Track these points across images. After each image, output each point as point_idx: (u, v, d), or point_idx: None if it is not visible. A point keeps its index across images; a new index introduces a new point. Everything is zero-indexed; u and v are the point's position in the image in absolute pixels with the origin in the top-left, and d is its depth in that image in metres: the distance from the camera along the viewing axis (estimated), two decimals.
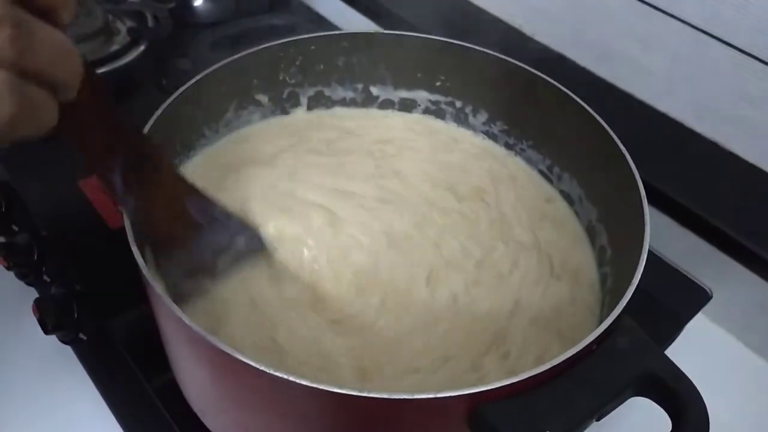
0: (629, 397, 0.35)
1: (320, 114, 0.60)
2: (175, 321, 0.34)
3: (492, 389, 0.31)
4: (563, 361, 0.33)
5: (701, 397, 0.34)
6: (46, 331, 0.52)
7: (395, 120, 0.60)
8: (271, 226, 0.47)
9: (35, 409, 0.53)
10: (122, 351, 0.52)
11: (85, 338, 0.54)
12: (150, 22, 0.75)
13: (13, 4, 0.24)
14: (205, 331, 0.33)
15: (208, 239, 0.42)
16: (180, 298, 0.41)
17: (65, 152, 0.61)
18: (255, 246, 0.44)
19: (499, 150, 0.58)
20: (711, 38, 0.59)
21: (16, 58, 0.24)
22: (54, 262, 0.56)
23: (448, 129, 0.60)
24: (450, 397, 0.31)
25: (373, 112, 0.60)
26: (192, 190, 0.41)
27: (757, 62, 0.57)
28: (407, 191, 0.53)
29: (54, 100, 0.27)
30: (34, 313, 0.52)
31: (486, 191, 0.54)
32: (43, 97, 0.26)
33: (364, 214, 0.50)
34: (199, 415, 0.45)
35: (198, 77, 0.50)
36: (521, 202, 0.54)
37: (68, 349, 0.55)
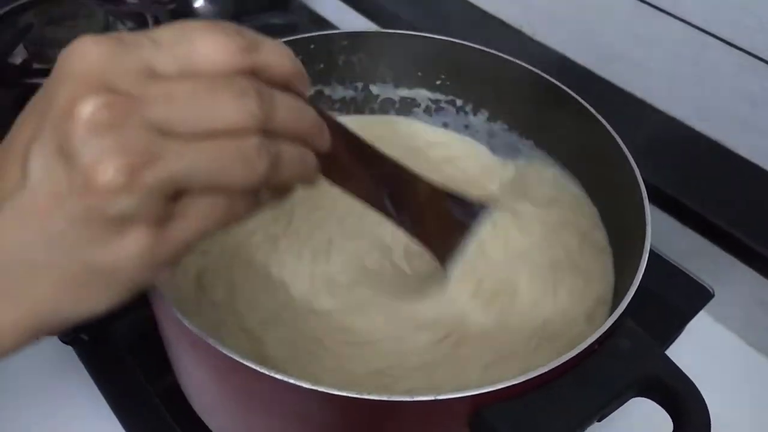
0: (630, 398, 0.35)
1: None
2: (177, 324, 0.34)
3: (493, 391, 0.31)
4: (565, 362, 0.33)
5: (702, 398, 0.34)
6: None
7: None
8: None
9: (36, 409, 0.53)
10: (124, 352, 0.52)
11: (86, 339, 0.54)
12: (150, 24, 0.75)
13: (251, 78, 0.27)
14: (207, 335, 0.33)
15: (468, 228, 0.47)
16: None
17: None
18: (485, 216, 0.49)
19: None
20: (712, 38, 0.59)
21: (263, 121, 0.26)
22: None
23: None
24: (450, 399, 0.31)
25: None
26: (444, 192, 0.45)
27: (758, 62, 0.57)
28: None
29: (308, 152, 0.30)
30: None
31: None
32: (297, 151, 0.29)
33: None
34: (201, 415, 0.45)
35: None
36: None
37: (69, 349, 0.55)
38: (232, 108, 0.25)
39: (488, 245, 0.47)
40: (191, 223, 0.26)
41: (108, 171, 0.23)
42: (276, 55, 0.28)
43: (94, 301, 0.26)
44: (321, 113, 0.31)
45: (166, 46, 0.26)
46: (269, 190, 0.29)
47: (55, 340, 0.54)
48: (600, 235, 0.50)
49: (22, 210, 0.25)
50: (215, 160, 0.25)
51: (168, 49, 0.26)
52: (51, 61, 0.66)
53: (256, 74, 0.27)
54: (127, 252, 0.25)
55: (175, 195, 0.25)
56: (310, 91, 0.58)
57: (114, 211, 0.23)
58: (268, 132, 0.27)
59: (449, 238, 0.46)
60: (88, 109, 0.23)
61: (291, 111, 0.28)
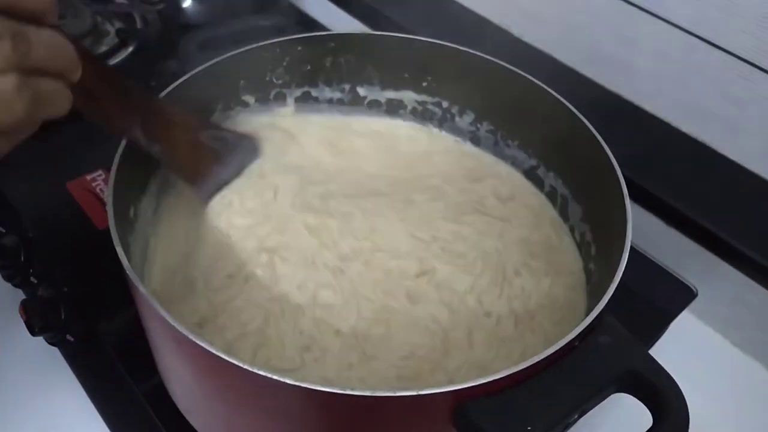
0: (611, 394, 0.35)
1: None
2: (160, 320, 0.34)
3: (474, 386, 0.32)
4: (545, 358, 0.33)
5: (682, 393, 0.34)
6: (33, 333, 0.52)
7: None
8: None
9: (22, 410, 0.52)
10: (110, 352, 0.52)
11: (72, 340, 0.54)
12: (139, 24, 0.75)
13: (4, 19, 0.27)
14: (189, 331, 0.33)
15: (225, 157, 0.50)
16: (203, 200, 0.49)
17: (52, 153, 0.62)
18: (255, 152, 0.53)
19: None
20: (697, 39, 0.59)
21: (19, 61, 0.28)
22: (41, 263, 0.56)
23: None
24: (433, 394, 0.31)
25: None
26: (201, 122, 0.49)
27: (742, 63, 0.57)
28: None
29: (63, 85, 0.31)
30: (21, 315, 0.52)
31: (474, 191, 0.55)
32: (53, 85, 0.30)
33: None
34: (185, 414, 0.45)
35: (184, 78, 0.50)
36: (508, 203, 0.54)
37: (56, 350, 0.55)
38: None
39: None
40: None
41: None
42: None
43: None
44: (72, 43, 0.32)
45: None
46: (25, 125, 0.30)
47: (41, 341, 0.54)
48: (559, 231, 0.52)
49: None
50: None
51: None
52: None
53: (8, 12, 0.28)
54: None
55: None
56: (297, 93, 0.59)
57: None
58: (25, 70, 0.28)
59: (206, 167, 0.49)
60: None
61: (48, 47, 0.30)
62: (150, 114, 0.44)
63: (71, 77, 0.32)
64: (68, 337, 0.54)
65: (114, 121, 0.42)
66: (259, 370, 0.31)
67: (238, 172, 0.51)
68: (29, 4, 0.29)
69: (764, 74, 0.56)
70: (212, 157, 0.49)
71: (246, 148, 0.52)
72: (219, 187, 0.50)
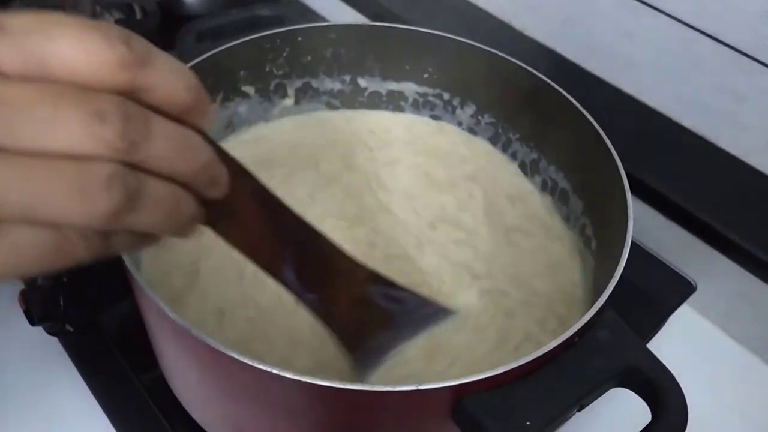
0: (610, 389, 0.35)
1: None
2: (161, 315, 0.34)
3: (474, 381, 0.32)
4: (545, 353, 0.33)
5: (681, 389, 0.34)
6: (33, 323, 0.52)
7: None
8: None
9: (21, 400, 0.52)
10: (110, 343, 0.52)
11: (72, 330, 0.54)
12: (138, 14, 0.75)
13: (125, 99, 0.21)
14: (190, 326, 0.33)
15: (396, 323, 0.39)
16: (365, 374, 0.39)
17: None
18: (440, 317, 0.42)
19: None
20: (698, 33, 0.59)
21: (127, 151, 0.21)
22: None
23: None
24: (432, 389, 0.31)
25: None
26: (372, 276, 0.38)
27: (742, 57, 0.57)
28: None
29: (187, 195, 0.24)
30: (20, 305, 0.52)
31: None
32: (170, 191, 0.23)
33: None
34: (186, 406, 0.45)
35: None
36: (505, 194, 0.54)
37: (55, 340, 0.55)
38: (80, 129, 0.20)
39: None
40: None
41: None
42: (170, 77, 0.22)
43: None
44: (221, 153, 0.26)
45: (14, 34, 0.20)
46: (126, 234, 0.23)
47: (40, 331, 0.54)
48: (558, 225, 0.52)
49: None
50: (39, 183, 0.20)
51: (15, 39, 0.20)
52: None
53: (135, 97, 0.22)
54: None
55: None
56: (297, 84, 0.59)
57: None
58: (134, 165, 0.21)
59: (367, 331, 0.38)
60: None
61: (173, 145, 0.22)
62: (309, 254, 0.34)
63: (207, 190, 0.25)
64: (67, 326, 0.54)
65: (260, 256, 0.31)
66: (258, 364, 0.31)
67: (408, 338, 0.40)
68: (169, 94, 0.22)
69: (764, 68, 0.56)
70: (381, 319, 0.38)
71: (428, 315, 0.41)
72: (383, 358, 0.39)
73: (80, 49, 0.20)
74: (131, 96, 0.21)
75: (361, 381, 0.38)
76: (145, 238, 0.25)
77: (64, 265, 0.22)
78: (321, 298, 0.35)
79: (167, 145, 0.22)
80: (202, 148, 0.24)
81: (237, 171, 0.27)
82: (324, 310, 0.35)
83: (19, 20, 0.20)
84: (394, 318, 0.39)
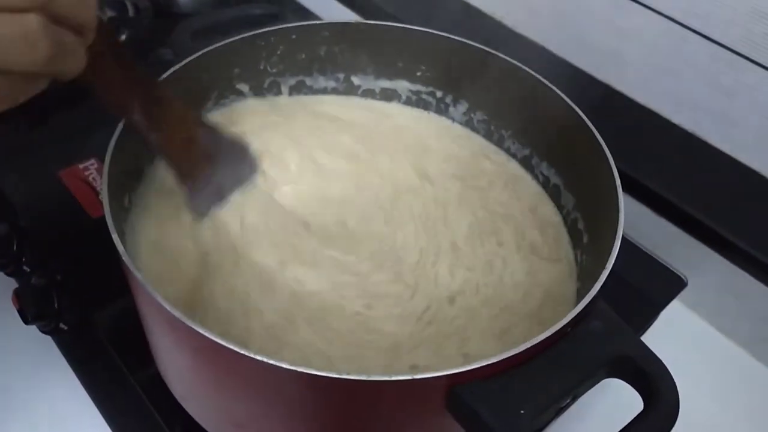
0: (602, 379, 0.35)
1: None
2: (155, 306, 0.34)
3: (468, 370, 0.32)
4: (538, 343, 0.34)
5: (672, 378, 0.35)
6: (27, 321, 0.52)
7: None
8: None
9: (15, 400, 0.52)
10: (105, 341, 0.52)
11: (66, 328, 0.54)
12: (131, 12, 0.75)
13: None
14: (184, 315, 0.33)
15: (220, 164, 0.48)
16: (199, 216, 0.48)
17: (44, 143, 0.61)
18: (253, 170, 0.51)
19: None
20: (688, 30, 0.59)
21: (44, 2, 0.27)
22: (34, 252, 0.56)
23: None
24: (427, 378, 0.32)
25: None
26: (199, 118, 0.48)
27: (732, 54, 0.58)
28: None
29: (81, 43, 0.31)
30: (14, 304, 0.52)
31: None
32: (71, 39, 0.30)
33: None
34: (181, 401, 0.45)
35: (178, 66, 0.50)
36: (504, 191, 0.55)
37: (49, 339, 0.55)
38: None
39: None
40: None
41: None
42: None
43: None
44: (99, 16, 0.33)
45: None
46: (44, 76, 0.30)
47: (34, 329, 0.54)
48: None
49: None
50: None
51: None
52: None
53: None
54: None
55: None
56: (291, 82, 0.59)
57: None
58: (48, 14, 0.28)
59: (200, 167, 0.47)
60: None
61: None
62: (151, 98, 0.44)
63: (89, 35, 0.32)
64: (62, 325, 0.54)
65: (117, 99, 0.42)
66: (254, 354, 0.31)
67: (234, 187, 0.49)
68: None
69: (753, 65, 0.57)
70: (206, 157, 0.47)
71: (241, 157, 0.50)
72: (214, 203, 0.48)
73: None
74: None
75: (197, 216, 0.47)
76: (36, 80, 0.31)
77: (4, 108, 0.30)
78: (161, 137, 0.45)
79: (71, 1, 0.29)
80: (93, 2, 0.32)
81: (100, 24, 0.34)
82: (164, 146, 0.45)
83: None
84: (219, 156, 0.48)
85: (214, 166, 0.48)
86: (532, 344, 0.33)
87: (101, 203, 0.39)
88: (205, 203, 0.48)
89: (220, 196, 0.48)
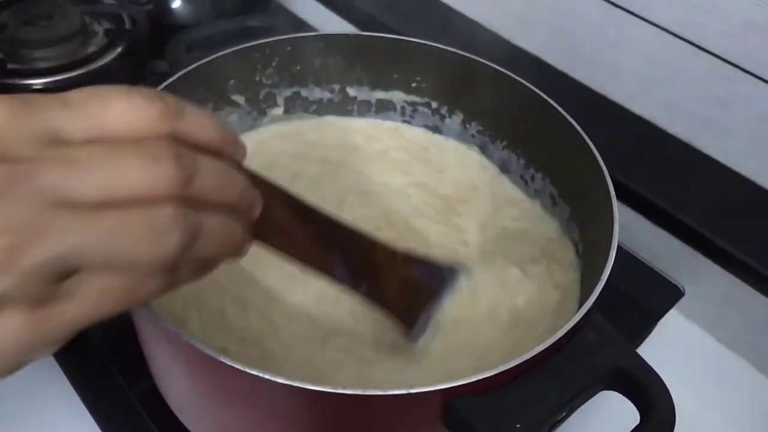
0: (598, 392, 0.35)
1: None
2: (151, 320, 0.34)
3: (463, 384, 0.32)
4: (534, 356, 0.34)
5: (668, 391, 0.34)
6: None
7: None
8: None
9: (11, 412, 0.52)
10: (101, 354, 0.52)
11: None
12: (127, 24, 0.75)
13: (170, 141, 0.24)
14: (179, 329, 0.33)
15: (434, 292, 0.42)
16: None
17: None
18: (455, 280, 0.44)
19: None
20: (682, 41, 0.60)
21: (182, 188, 0.24)
22: None
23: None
24: (423, 392, 0.32)
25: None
26: (407, 256, 0.41)
27: (726, 65, 0.58)
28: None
29: (236, 222, 0.27)
30: None
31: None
32: (222, 221, 0.26)
33: None
34: (177, 413, 0.45)
35: (173, 78, 0.50)
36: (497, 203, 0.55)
37: None
38: (141, 172, 0.23)
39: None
40: (80, 303, 0.23)
41: None
42: (200, 122, 0.26)
43: None
44: (255, 178, 0.29)
45: (75, 107, 0.23)
46: (189, 265, 0.26)
47: None
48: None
49: None
50: (115, 233, 0.22)
51: (78, 111, 0.23)
52: (26, 61, 0.66)
53: (178, 140, 0.25)
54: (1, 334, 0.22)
55: (66, 273, 0.22)
56: (287, 93, 0.59)
57: None
58: (189, 201, 0.24)
59: (416, 306, 0.41)
60: None
61: (217, 176, 0.26)
62: (352, 250, 0.37)
63: (248, 214, 0.28)
64: None
65: (313, 259, 0.35)
66: (250, 369, 0.31)
67: (441, 303, 0.43)
68: (203, 135, 0.26)
69: (748, 76, 0.57)
70: (425, 291, 0.41)
71: (447, 277, 0.43)
72: (427, 326, 0.42)
73: (129, 109, 0.24)
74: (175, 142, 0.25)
75: (415, 350, 0.42)
76: (205, 266, 0.27)
77: (137, 304, 0.25)
78: (371, 287, 0.38)
79: (213, 177, 0.25)
80: (239, 176, 0.27)
81: (271, 190, 0.31)
82: (378, 296, 0.39)
83: (79, 94, 0.24)
84: (432, 288, 0.42)
85: (433, 299, 0.42)
86: (528, 358, 0.33)
87: None
88: (422, 330, 0.42)
89: (432, 317, 0.42)
